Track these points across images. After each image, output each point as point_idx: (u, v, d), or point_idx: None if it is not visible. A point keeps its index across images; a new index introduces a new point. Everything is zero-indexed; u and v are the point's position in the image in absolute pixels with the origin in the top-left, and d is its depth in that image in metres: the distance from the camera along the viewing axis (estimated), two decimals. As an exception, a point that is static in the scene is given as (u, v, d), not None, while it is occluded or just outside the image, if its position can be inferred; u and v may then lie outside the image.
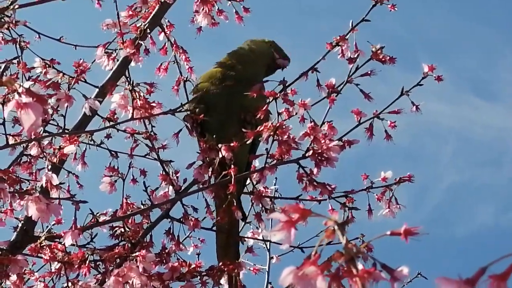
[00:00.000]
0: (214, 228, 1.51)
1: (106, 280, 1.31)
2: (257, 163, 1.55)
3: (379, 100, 1.49)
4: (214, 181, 1.42)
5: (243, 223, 1.60)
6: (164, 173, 1.43)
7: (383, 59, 1.45)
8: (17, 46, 1.55)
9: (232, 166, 1.36)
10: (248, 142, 1.38)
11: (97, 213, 1.43)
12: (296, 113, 1.36)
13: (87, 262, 1.26)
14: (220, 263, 1.37)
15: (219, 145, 1.38)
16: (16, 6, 1.41)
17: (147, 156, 1.45)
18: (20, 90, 0.83)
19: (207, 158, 1.41)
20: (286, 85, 1.45)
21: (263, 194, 1.45)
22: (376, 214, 1.51)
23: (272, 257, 2.00)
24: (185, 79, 1.50)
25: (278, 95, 1.37)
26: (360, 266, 0.66)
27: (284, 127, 1.35)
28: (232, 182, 1.34)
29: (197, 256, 1.66)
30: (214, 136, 1.45)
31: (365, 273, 0.65)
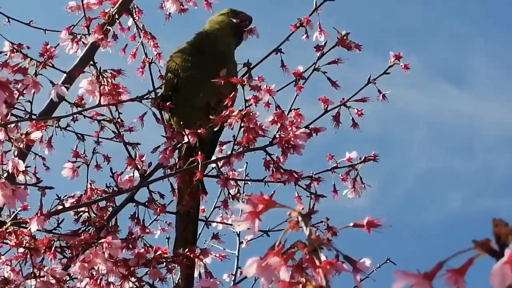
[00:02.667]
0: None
1: (72, 265, 1.31)
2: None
3: (351, 86, 1.50)
4: (180, 166, 1.43)
5: (212, 209, 1.62)
6: (129, 156, 1.43)
7: (348, 45, 1.46)
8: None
9: (200, 151, 1.37)
10: (215, 129, 1.38)
11: (65, 196, 1.43)
12: (262, 99, 1.36)
13: (53, 248, 1.26)
14: (186, 250, 1.37)
15: (185, 131, 1.38)
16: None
17: (113, 139, 1.45)
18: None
19: (173, 143, 1.42)
20: (251, 67, 1.45)
21: (229, 177, 1.45)
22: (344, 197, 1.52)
23: (242, 242, 2.01)
24: (150, 61, 1.49)
25: (245, 82, 1.37)
26: (323, 257, 0.67)
27: (251, 114, 1.35)
28: (199, 169, 1.34)
29: (167, 240, 1.68)
30: (181, 121, 1.46)
31: (327, 264, 0.66)
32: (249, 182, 1.59)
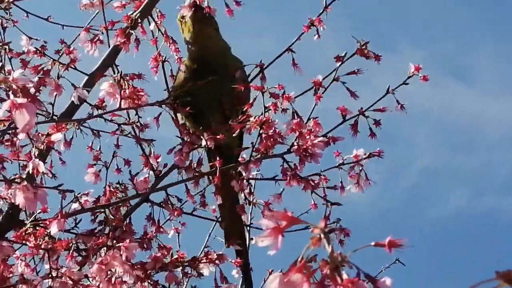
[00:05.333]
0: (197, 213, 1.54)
1: (87, 264, 1.33)
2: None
3: (360, 78, 1.50)
4: (197, 168, 1.44)
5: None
6: (143, 154, 1.44)
7: (367, 55, 1.47)
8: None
9: (218, 155, 1.39)
10: (234, 134, 1.39)
11: (79, 194, 1.44)
12: (281, 107, 1.37)
13: (71, 250, 1.27)
14: (205, 254, 1.38)
15: (204, 134, 1.39)
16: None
17: (128, 136, 1.45)
18: (14, 87, 0.84)
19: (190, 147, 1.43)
20: (264, 67, 1.46)
21: (244, 178, 1.46)
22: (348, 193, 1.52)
23: (252, 238, 2.02)
24: (163, 59, 1.48)
25: (265, 89, 1.38)
26: (345, 275, 0.68)
27: (270, 121, 1.36)
28: (217, 174, 1.36)
29: (177, 238, 1.68)
30: (200, 127, 1.47)
31: (349, 283, 0.67)
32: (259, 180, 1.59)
